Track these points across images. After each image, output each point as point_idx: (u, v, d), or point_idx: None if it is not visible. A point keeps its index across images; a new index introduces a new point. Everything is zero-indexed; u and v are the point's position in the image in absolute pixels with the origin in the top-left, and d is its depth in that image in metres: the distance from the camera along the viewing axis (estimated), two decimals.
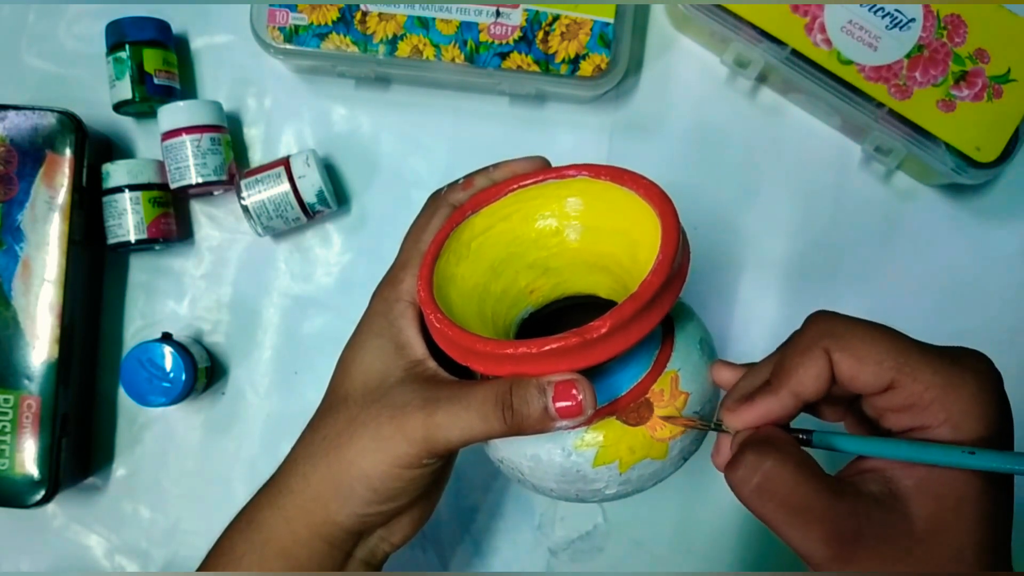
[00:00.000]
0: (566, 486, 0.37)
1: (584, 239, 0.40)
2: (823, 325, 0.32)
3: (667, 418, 0.37)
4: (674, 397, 0.37)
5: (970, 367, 0.31)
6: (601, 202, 0.39)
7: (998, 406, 0.30)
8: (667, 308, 0.34)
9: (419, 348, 0.38)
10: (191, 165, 0.55)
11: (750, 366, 0.37)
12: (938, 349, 0.31)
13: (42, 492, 0.53)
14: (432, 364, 0.38)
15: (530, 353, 0.33)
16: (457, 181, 0.42)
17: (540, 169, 0.40)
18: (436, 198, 0.42)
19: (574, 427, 0.35)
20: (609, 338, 0.32)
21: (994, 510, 0.30)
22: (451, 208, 0.41)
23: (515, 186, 0.40)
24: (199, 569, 0.40)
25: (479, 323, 0.38)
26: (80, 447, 0.58)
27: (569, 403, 0.33)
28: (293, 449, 0.40)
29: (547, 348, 0.32)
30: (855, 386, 0.31)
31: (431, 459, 0.36)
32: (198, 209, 0.60)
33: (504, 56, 0.54)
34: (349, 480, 0.36)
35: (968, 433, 0.30)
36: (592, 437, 0.36)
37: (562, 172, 0.39)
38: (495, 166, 0.41)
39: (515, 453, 0.38)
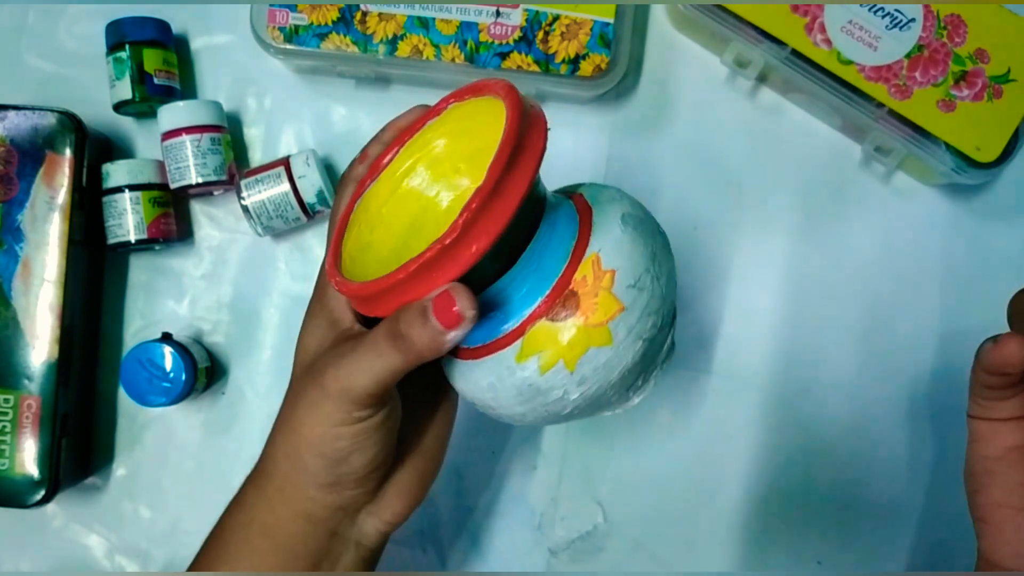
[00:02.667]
0: (531, 406, 0.37)
1: (483, 164, 0.39)
2: None
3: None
4: (598, 278, 0.36)
5: None
6: (479, 122, 0.39)
7: None
8: (522, 188, 0.33)
9: (347, 318, 0.39)
10: (191, 165, 0.55)
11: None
12: None
13: (42, 492, 0.53)
14: (357, 327, 0.39)
15: (400, 279, 0.33)
16: (355, 157, 0.42)
17: (419, 116, 0.40)
18: (342, 178, 0.43)
19: (466, 332, 0.34)
20: (468, 236, 0.32)
21: None
22: (355, 184, 0.41)
23: (404, 141, 0.40)
24: (196, 557, 0.41)
25: None
26: (80, 447, 0.58)
27: (450, 311, 0.33)
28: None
29: (413, 268, 0.33)
30: None
31: (360, 410, 0.36)
32: (198, 209, 0.60)
33: (504, 56, 0.54)
34: (299, 451, 0.37)
35: None
36: (528, 346, 0.36)
37: (437, 109, 0.40)
38: (382, 130, 0.42)
39: (476, 388, 0.38)
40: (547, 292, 0.36)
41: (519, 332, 0.35)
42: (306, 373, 0.38)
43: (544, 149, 0.35)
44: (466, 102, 0.38)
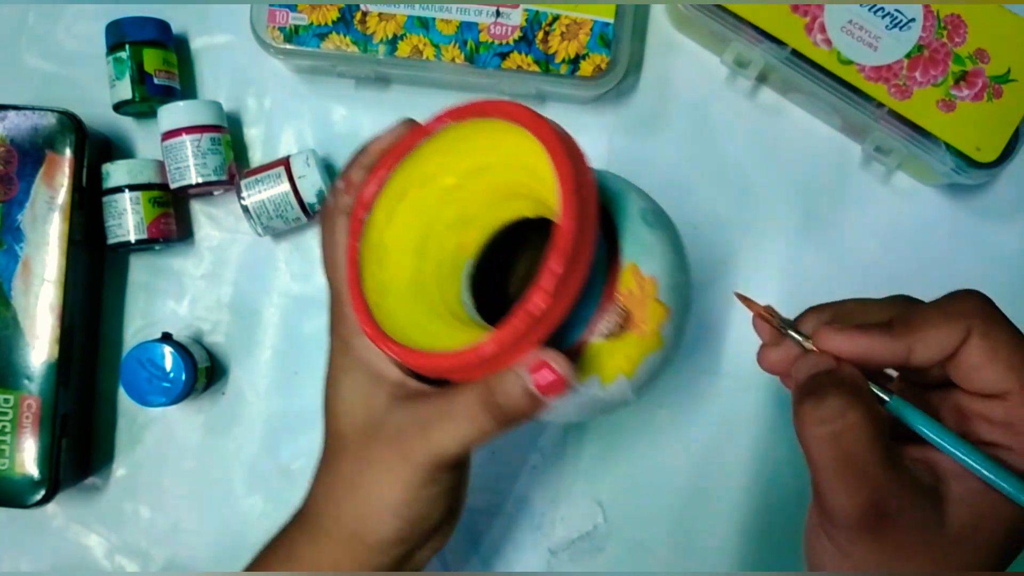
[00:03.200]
0: (590, 414, 0.37)
1: (486, 178, 0.38)
2: (978, 305, 0.32)
3: (744, 299, 0.36)
4: (643, 288, 0.36)
5: None
6: (483, 140, 0.37)
7: None
8: (593, 233, 0.33)
9: (393, 372, 0.38)
10: (191, 165, 0.55)
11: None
12: None
13: (42, 492, 0.53)
14: (412, 383, 0.37)
15: (493, 352, 0.32)
16: (336, 185, 0.40)
17: (407, 134, 0.38)
18: (327, 210, 0.40)
19: (565, 396, 0.34)
20: (557, 300, 0.32)
21: (1018, 543, 0.30)
22: (346, 217, 0.38)
23: (393, 164, 0.38)
24: None
25: (430, 314, 0.37)
26: (80, 447, 0.58)
27: (551, 380, 0.33)
28: (314, 488, 0.40)
29: (506, 341, 0.32)
30: (970, 378, 0.31)
31: (445, 473, 0.36)
32: (198, 209, 0.60)
33: (504, 56, 0.54)
34: (377, 515, 0.37)
35: None
36: (588, 365, 0.36)
37: (429, 129, 0.37)
38: (363, 152, 0.39)
39: None
40: (596, 310, 0.36)
41: (576, 353, 0.35)
42: (374, 438, 0.37)
43: (596, 180, 0.34)
44: (466, 123, 0.36)
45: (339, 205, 0.39)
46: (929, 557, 0.30)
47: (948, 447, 0.31)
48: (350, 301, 0.37)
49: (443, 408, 0.35)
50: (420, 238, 0.39)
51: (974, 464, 0.30)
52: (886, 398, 0.32)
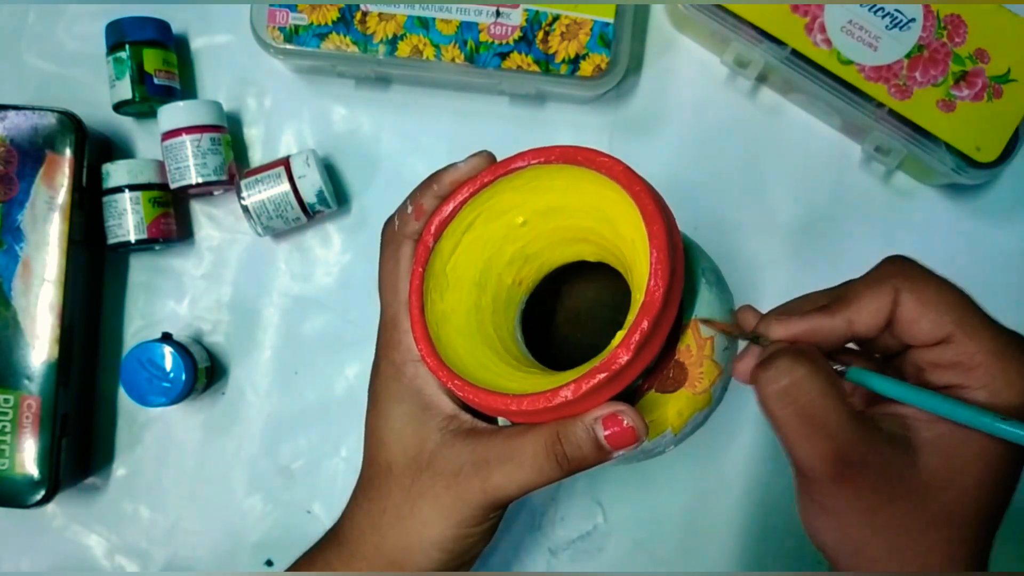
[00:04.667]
0: (629, 456, 0.37)
1: (556, 220, 0.38)
2: (900, 266, 0.33)
3: (706, 321, 0.36)
4: (701, 347, 0.36)
5: None
6: (561, 182, 0.37)
7: None
8: (680, 293, 0.33)
9: (446, 404, 0.37)
10: (191, 165, 0.55)
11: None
12: (999, 324, 0.31)
13: (42, 492, 0.53)
14: (466, 417, 0.37)
15: (569, 400, 0.32)
16: (405, 207, 0.39)
17: (485, 169, 0.37)
18: (392, 232, 0.40)
19: (635, 450, 0.34)
20: (639, 356, 0.32)
21: (998, 484, 0.31)
22: (411, 242, 0.38)
23: (467, 195, 0.37)
24: None
25: (485, 347, 0.37)
26: (80, 447, 0.58)
27: (620, 432, 0.33)
28: (354, 513, 0.40)
29: (582, 392, 0.32)
30: (912, 332, 0.31)
31: (496, 512, 0.37)
32: (198, 209, 0.60)
33: (504, 56, 0.54)
34: (422, 547, 0.37)
35: (1003, 402, 0.30)
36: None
37: (510, 166, 0.37)
38: (436, 180, 0.38)
39: None
40: (656, 363, 0.36)
41: (628, 402, 0.35)
42: (425, 472, 0.37)
43: (681, 240, 0.34)
44: (550, 165, 0.36)
45: (406, 230, 0.38)
46: (907, 503, 0.30)
47: (906, 395, 0.31)
48: (408, 328, 0.37)
49: (505, 451, 0.35)
50: (481, 271, 0.39)
51: (931, 403, 0.31)
52: (844, 369, 0.33)
